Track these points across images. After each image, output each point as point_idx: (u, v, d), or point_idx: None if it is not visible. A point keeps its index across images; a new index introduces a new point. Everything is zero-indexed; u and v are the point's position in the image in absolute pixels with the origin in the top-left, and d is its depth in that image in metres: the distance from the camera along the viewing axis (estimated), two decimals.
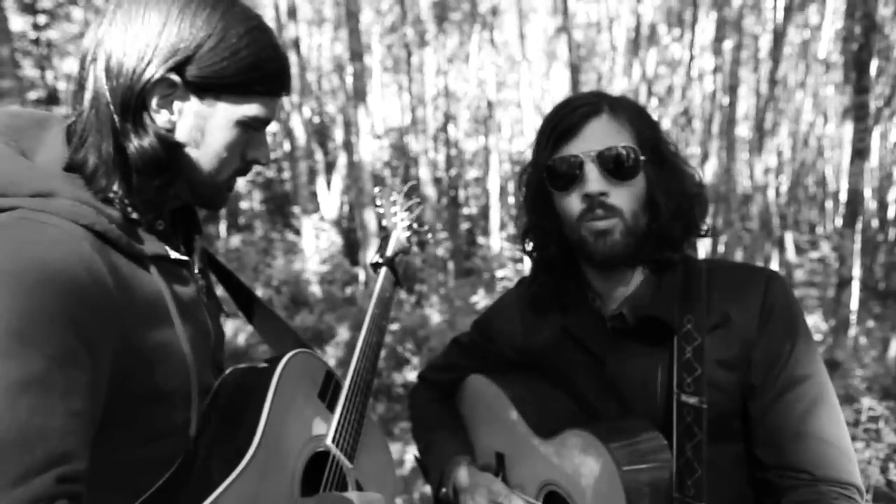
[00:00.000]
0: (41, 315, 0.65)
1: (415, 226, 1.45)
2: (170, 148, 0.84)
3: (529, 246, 1.23)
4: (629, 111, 1.09)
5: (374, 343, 1.20)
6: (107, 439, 0.77)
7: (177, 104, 0.84)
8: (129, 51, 0.79)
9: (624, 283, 1.14)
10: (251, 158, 0.94)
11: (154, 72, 0.80)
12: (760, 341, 1.03)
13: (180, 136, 0.86)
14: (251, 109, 0.87)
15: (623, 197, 1.06)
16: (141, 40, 0.79)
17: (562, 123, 1.08)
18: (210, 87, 0.83)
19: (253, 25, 0.85)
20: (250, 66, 0.84)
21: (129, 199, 0.84)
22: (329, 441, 1.02)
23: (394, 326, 7.29)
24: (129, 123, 0.81)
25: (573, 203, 1.08)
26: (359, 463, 1.08)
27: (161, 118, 0.83)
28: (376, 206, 1.40)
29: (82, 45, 0.84)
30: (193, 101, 0.84)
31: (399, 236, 1.41)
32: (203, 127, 0.86)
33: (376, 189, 1.42)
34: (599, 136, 1.06)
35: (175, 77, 0.81)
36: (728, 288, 1.08)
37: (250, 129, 0.90)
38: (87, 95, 0.81)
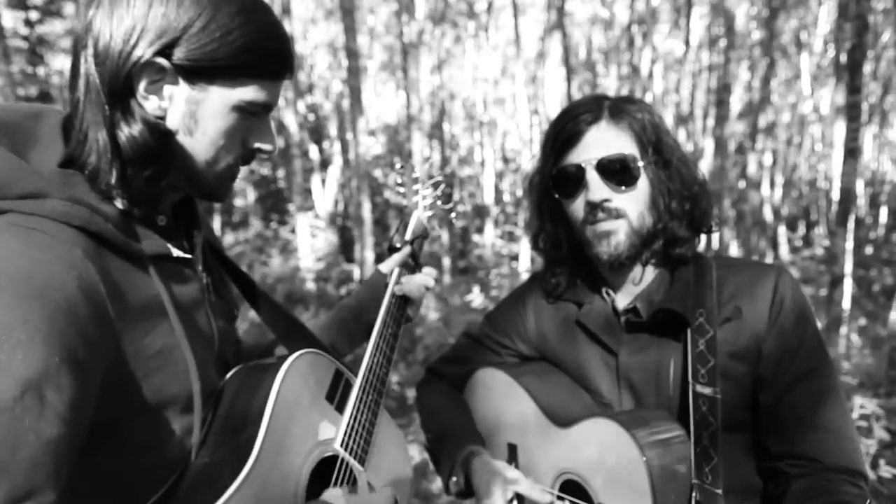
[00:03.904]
0: (20, 333, 0.59)
1: (438, 203, 1.35)
2: (160, 136, 0.79)
3: (542, 245, 1.28)
4: (630, 115, 1.11)
5: (389, 335, 1.14)
6: (101, 449, 0.73)
7: (167, 90, 0.79)
8: (115, 34, 0.75)
9: (636, 279, 1.19)
10: (255, 146, 0.89)
11: (140, 55, 0.75)
12: (771, 334, 1.06)
13: (172, 123, 0.81)
14: (248, 94, 0.82)
15: (626, 201, 1.10)
16: (127, 22, 0.75)
17: (564, 132, 1.13)
18: (201, 71, 0.78)
19: (247, 4, 0.80)
20: (244, 48, 0.79)
21: (127, 194, 0.79)
22: (337, 445, 0.98)
23: None
24: (118, 111, 0.77)
25: (578, 208, 1.14)
26: (373, 464, 1.04)
27: (151, 105, 0.79)
28: (396, 184, 1.32)
29: (74, 31, 0.79)
30: (184, 86, 0.79)
31: (420, 217, 1.31)
32: (196, 113, 0.81)
33: (397, 166, 1.33)
34: (600, 143, 1.10)
35: (163, 61, 0.76)
36: (738, 283, 1.11)
37: (249, 115, 0.85)
38: (80, 84, 0.77)
